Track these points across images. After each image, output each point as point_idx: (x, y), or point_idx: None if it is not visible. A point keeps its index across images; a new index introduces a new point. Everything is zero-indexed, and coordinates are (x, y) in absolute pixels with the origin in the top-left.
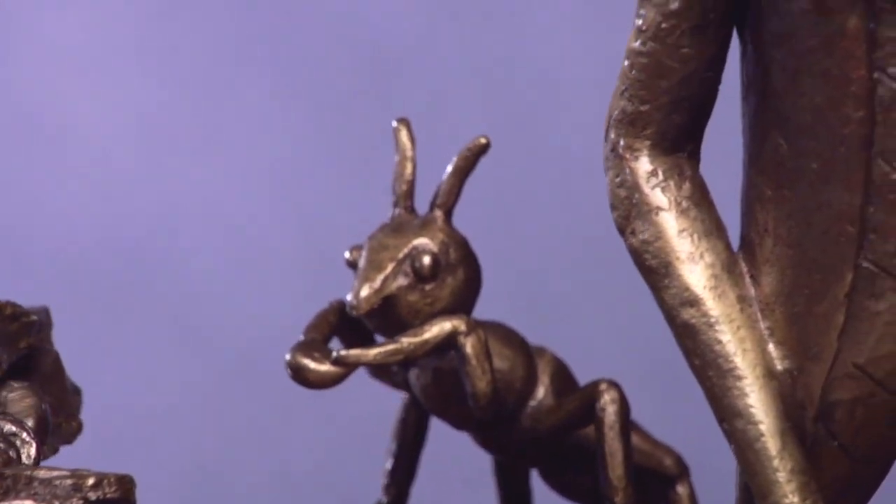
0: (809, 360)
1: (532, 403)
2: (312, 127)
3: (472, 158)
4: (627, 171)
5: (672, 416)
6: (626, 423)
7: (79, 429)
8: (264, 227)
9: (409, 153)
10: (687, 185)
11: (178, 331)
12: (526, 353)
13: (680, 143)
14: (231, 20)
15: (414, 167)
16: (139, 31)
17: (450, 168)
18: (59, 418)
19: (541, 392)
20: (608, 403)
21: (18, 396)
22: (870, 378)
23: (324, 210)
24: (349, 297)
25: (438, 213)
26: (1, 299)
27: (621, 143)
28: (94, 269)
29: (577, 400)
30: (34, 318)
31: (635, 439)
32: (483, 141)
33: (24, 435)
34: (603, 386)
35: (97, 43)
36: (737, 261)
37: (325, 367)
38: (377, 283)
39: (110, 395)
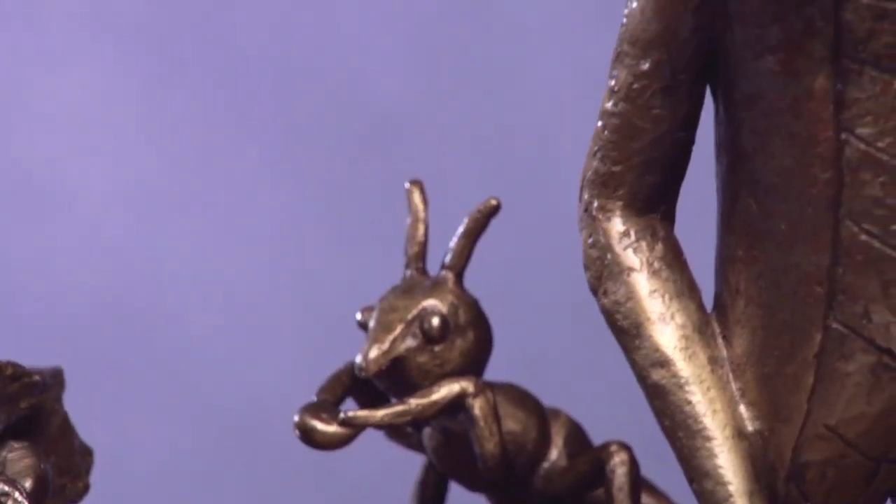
0: (780, 422)
1: (545, 465)
2: (310, 192)
3: (482, 220)
4: (600, 231)
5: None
6: (636, 486)
7: (85, 490)
8: (262, 290)
9: (421, 214)
10: (659, 246)
11: (175, 394)
12: (539, 414)
13: (653, 204)
14: (229, 85)
15: (426, 229)
16: (137, 96)
17: (461, 229)
18: (65, 479)
19: (554, 454)
20: (618, 465)
21: (17, 457)
22: (841, 439)
23: (321, 274)
24: (358, 359)
25: (449, 275)
26: (2, 359)
27: (594, 203)
28: (91, 332)
29: (588, 462)
30: (36, 378)
31: (647, 499)
32: (494, 202)
33: (17, 495)
34: (613, 448)
35: (95, 109)
36: (709, 321)
37: (332, 429)
38: (386, 344)
39: (109, 456)
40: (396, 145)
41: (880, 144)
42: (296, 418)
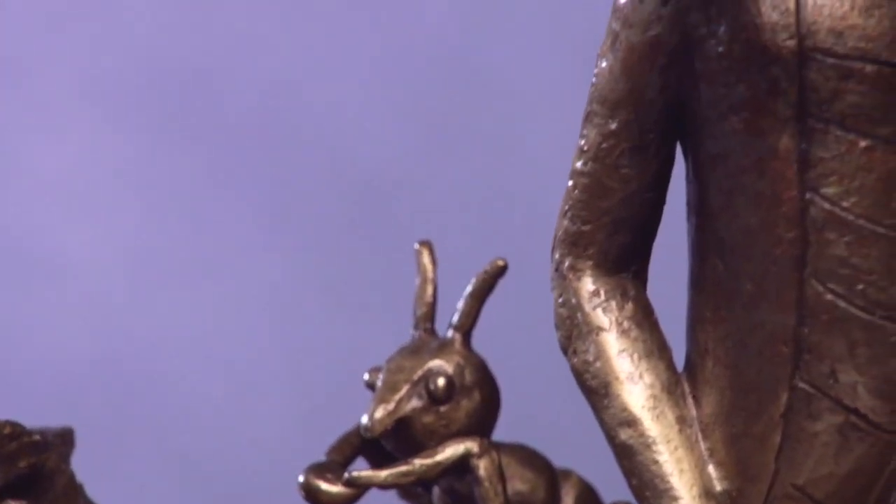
0: (748, 481)
1: None
2: (304, 256)
3: (490, 281)
4: (570, 290)
5: None
6: None
7: None
8: (256, 354)
9: (430, 275)
10: (629, 306)
11: (171, 460)
12: (549, 475)
13: (623, 263)
14: (223, 150)
15: (435, 289)
16: (131, 161)
17: (468, 290)
18: None
19: None
20: None
21: None
22: (809, 499)
23: (315, 338)
24: (363, 419)
25: (456, 336)
26: (1, 419)
27: (565, 262)
28: (86, 396)
29: None
30: (36, 437)
31: None
32: (501, 263)
33: None
34: None
35: (89, 174)
36: (679, 381)
37: (336, 489)
38: (391, 404)
39: None
40: (389, 209)
41: (845, 204)
42: (301, 478)
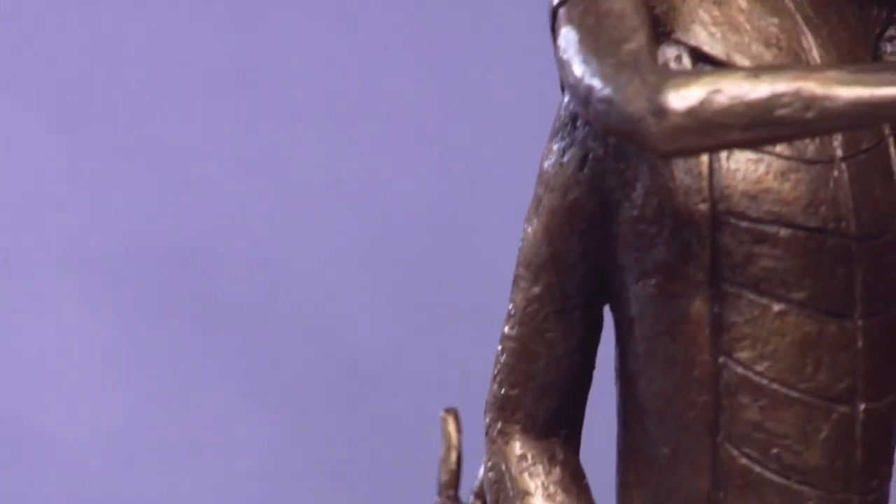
0: None
1: None
2: (289, 437)
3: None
4: (499, 454)
5: None
6: None
7: None
8: None
9: (454, 442)
10: (557, 470)
11: None
12: None
13: (552, 428)
14: (206, 330)
15: (459, 457)
16: (115, 340)
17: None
18: None
19: None
20: None
21: None
22: None
23: None
24: None
25: (478, 502)
26: None
27: (495, 427)
28: None
29: None
30: None
31: None
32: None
33: None
34: None
35: (73, 353)
36: None
37: None
38: None
39: None
40: (374, 389)
41: (759, 368)
42: None
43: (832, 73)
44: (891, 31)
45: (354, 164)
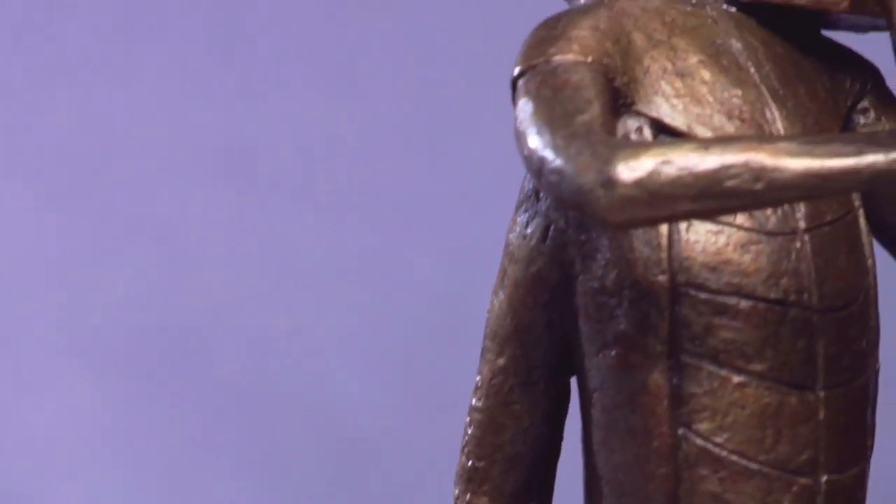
0: None
1: None
2: None
3: None
4: None
5: None
6: None
7: None
8: None
9: None
10: None
11: None
12: None
13: (520, 500)
14: (204, 411)
15: None
16: (111, 420)
17: None
18: None
19: None
20: None
21: None
22: None
23: None
24: None
25: None
26: None
27: (464, 498)
28: None
29: None
30: None
31: None
32: None
33: None
34: None
35: (69, 433)
36: None
37: None
38: None
39: None
40: (373, 468)
41: (718, 440)
42: None
43: (783, 145)
44: (864, 104)
45: (353, 242)
